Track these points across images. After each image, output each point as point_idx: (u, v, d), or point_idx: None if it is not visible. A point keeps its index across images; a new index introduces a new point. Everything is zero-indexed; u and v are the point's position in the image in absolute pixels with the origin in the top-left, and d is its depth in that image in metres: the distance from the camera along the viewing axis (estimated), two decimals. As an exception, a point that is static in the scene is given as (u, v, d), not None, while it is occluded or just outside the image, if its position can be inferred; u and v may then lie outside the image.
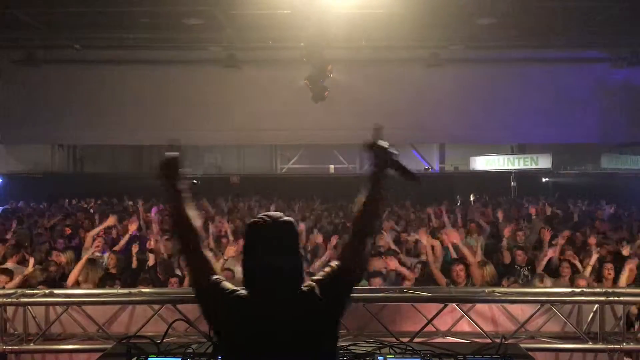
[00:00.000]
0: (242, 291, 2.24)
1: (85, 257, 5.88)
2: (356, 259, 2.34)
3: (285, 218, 2.28)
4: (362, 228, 2.36)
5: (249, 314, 2.18)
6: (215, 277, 2.30)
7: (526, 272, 7.08)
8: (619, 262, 6.67)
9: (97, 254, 7.42)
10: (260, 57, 14.35)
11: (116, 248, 7.55)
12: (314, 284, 2.26)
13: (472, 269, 6.19)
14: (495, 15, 11.13)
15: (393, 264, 6.04)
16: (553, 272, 6.63)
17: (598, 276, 6.29)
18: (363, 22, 11.22)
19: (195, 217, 2.39)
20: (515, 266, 7.22)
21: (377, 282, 5.72)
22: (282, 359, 2.16)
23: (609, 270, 6.21)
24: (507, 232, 8.07)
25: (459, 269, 5.99)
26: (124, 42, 13.20)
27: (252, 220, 2.30)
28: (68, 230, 9.79)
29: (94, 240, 7.32)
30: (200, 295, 2.32)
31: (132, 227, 7.86)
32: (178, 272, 6.64)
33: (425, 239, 6.85)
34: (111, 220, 7.80)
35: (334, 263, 2.34)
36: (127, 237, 7.71)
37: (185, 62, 14.79)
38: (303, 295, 2.22)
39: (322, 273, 2.32)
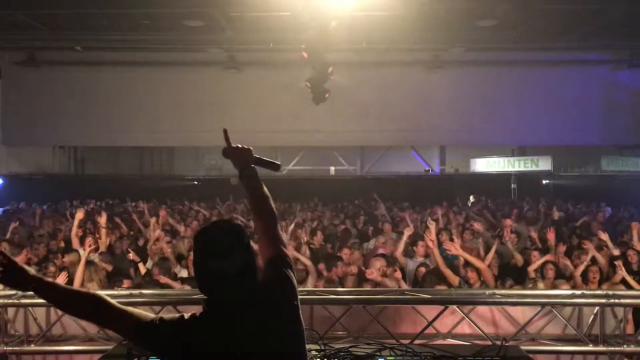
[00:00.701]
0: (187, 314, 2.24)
1: (83, 258, 5.86)
2: (275, 241, 2.42)
3: (233, 222, 2.36)
4: (264, 219, 2.48)
5: (210, 327, 2.17)
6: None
7: (540, 275, 7.03)
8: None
9: (92, 253, 7.43)
10: (261, 59, 14.36)
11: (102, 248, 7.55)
12: (266, 288, 2.28)
13: (483, 273, 6.20)
14: (495, 18, 11.14)
15: (374, 274, 5.77)
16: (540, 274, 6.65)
17: (584, 279, 6.30)
18: (364, 25, 11.23)
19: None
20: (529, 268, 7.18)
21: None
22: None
23: (594, 273, 6.22)
24: (508, 235, 8.01)
25: (470, 270, 6.01)
26: (125, 44, 13.24)
27: (198, 231, 2.33)
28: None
29: (81, 240, 7.30)
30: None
31: (102, 221, 7.89)
32: (182, 273, 6.65)
33: (430, 242, 6.81)
34: (80, 215, 7.75)
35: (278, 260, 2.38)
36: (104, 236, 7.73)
37: (186, 64, 14.81)
38: (258, 292, 2.22)
39: (275, 270, 2.36)
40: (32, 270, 2.19)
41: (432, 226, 6.84)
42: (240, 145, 2.58)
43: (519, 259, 7.38)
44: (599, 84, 15.00)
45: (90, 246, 6.35)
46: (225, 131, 2.60)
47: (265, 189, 2.57)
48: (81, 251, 5.90)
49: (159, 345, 2.18)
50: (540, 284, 6.08)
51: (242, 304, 2.18)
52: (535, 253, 7.25)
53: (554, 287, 5.88)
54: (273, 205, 2.54)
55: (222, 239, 2.20)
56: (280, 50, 13.06)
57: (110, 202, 16.98)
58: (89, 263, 6.49)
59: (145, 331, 2.17)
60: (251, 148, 2.58)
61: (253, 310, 2.18)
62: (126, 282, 5.88)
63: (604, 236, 6.52)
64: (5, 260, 2.11)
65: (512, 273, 6.88)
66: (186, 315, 2.22)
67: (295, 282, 2.36)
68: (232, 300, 2.17)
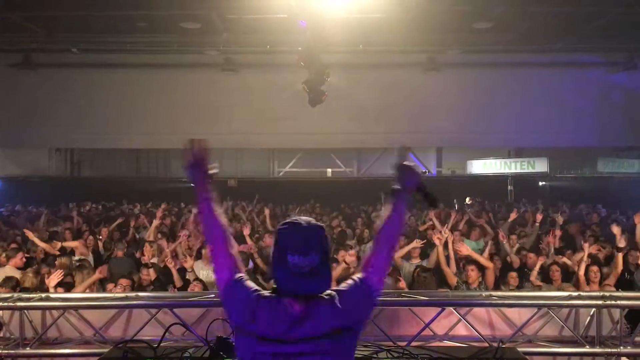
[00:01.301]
0: (265, 292, 2.30)
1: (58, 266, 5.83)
2: (378, 271, 2.38)
3: (315, 222, 2.33)
4: (385, 241, 2.43)
5: (270, 312, 2.22)
6: (240, 274, 2.37)
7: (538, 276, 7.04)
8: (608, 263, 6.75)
9: (83, 257, 7.43)
10: (258, 61, 14.36)
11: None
12: (334, 293, 2.29)
13: (487, 273, 6.22)
14: (492, 20, 11.16)
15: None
16: (545, 277, 6.66)
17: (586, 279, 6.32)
18: (360, 27, 11.24)
19: (222, 214, 2.47)
20: (525, 270, 7.21)
21: None
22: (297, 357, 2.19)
23: (594, 272, 6.24)
24: (503, 236, 8.02)
25: (470, 268, 6.01)
26: (122, 46, 13.20)
27: (281, 222, 2.36)
28: (68, 235, 9.75)
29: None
30: (226, 291, 2.35)
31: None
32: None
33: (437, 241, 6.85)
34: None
35: (356, 276, 2.38)
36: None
37: (183, 66, 14.79)
38: (323, 301, 2.25)
39: (344, 284, 2.36)
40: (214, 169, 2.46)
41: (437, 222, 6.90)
42: (413, 165, 2.59)
43: (515, 260, 7.41)
44: (595, 86, 15.04)
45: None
46: (406, 147, 2.70)
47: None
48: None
49: (235, 299, 2.30)
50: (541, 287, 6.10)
51: (305, 306, 2.22)
52: (531, 255, 7.28)
53: (561, 290, 5.87)
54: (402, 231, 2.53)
55: (302, 236, 2.23)
56: (277, 53, 13.05)
57: (107, 205, 16.95)
58: (82, 267, 6.50)
59: (237, 281, 2.33)
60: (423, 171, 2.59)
61: (310, 315, 2.21)
62: (124, 282, 5.84)
63: (586, 247, 6.55)
64: (200, 154, 2.46)
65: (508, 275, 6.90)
66: (262, 291, 2.31)
67: (368, 312, 2.38)
68: (298, 300, 2.22)
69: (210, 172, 2.51)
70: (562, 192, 18.92)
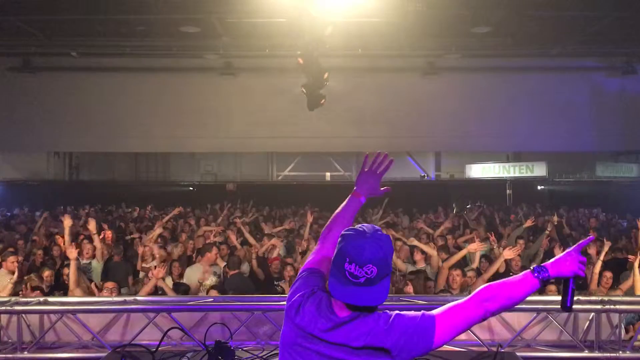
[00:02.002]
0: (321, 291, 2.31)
1: (73, 265, 5.78)
2: (454, 331, 2.19)
3: (381, 232, 2.23)
4: (489, 305, 2.20)
5: (317, 309, 2.22)
6: (319, 270, 2.42)
7: None
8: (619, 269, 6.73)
9: (84, 261, 7.39)
10: (256, 65, 14.38)
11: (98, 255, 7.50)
12: (394, 315, 2.18)
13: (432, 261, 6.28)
14: (490, 24, 11.18)
15: None
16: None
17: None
18: (359, 31, 11.26)
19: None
20: (510, 274, 7.21)
21: None
22: None
23: (607, 278, 6.23)
24: (494, 240, 8.00)
25: (455, 273, 6.01)
26: (121, 50, 13.22)
27: (348, 228, 2.28)
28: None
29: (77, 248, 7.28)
30: (299, 275, 2.42)
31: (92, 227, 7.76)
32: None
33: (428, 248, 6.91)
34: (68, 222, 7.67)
35: (430, 316, 2.19)
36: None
37: (182, 70, 14.81)
38: (374, 316, 2.18)
39: (410, 314, 2.21)
40: None
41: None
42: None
43: (501, 265, 7.44)
44: (593, 91, 15.08)
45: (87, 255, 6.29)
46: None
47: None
48: (72, 256, 5.81)
49: (295, 286, 2.35)
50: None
51: (349, 318, 2.17)
52: (517, 259, 7.28)
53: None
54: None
55: (363, 245, 2.14)
56: (276, 57, 13.08)
57: (106, 208, 16.92)
58: (80, 269, 6.48)
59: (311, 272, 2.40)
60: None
61: (351, 328, 2.16)
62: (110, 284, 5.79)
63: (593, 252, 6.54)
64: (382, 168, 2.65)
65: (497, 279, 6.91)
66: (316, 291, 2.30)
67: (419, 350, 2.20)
68: (350, 306, 2.17)
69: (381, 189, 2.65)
70: (560, 196, 18.95)
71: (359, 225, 2.26)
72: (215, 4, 10.24)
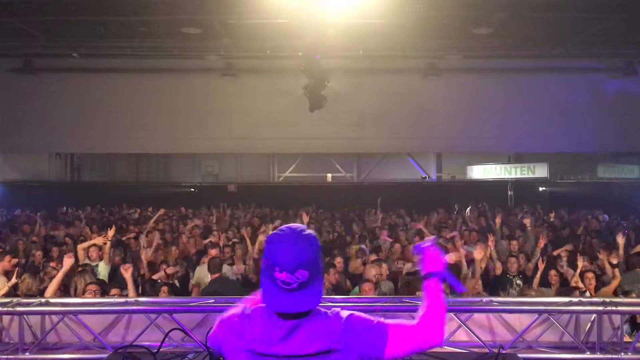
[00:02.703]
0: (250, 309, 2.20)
1: (61, 274, 5.74)
2: (404, 349, 2.16)
3: (307, 232, 2.17)
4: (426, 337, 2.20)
5: (262, 327, 2.12)
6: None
7: (519, 281, 7.07)
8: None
9: (92, 263, 7.41)
10: (258, 66, 14.38)
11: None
12: (345, 315, 2.15)
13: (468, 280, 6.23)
14: (492, 25, 11.17)
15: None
16: (543, 281, 6.68)
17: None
18: (360, 32, 11.26)
19: None
20: (507, 275, 7.23)
21: (367, 287, 5.79)
22: None
23: (589, 279, 6.25)
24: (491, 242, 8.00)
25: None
26: (122, 51, 13.22)
27: (272, 233, 2.21)
28: (68, 241, 9.74)
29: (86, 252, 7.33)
30: None
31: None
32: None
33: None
34: (100, 239, 7.67)
35: (384, 323, 2.18)
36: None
37: (183, 71, 14.80)
38: (320, 317, 2.14)
39: (365, 316, 2.19)
40: None
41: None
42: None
43: (498, 267, 7.47)
44: (595, 92, 15.05)
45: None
46: None
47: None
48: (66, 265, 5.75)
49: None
50: (530, 291, 6.10)
51: (294, 321, 2.10)
52: (513, 260, 7.32)
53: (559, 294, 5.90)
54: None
55: (291, 251, 2.08)
56: (277, 58, 13.07)
57: (105, 209, 16.95)
58: (83, 272, 6.50)
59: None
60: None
61: (298, 332, 2.10)
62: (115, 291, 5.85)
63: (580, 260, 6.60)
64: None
65: (492, 281, 6.93)
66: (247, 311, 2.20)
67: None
68: (286, 314, 2.10)
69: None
70: (562, 197, 18.94)
71: (281, 228, 2.19)
72: (216, 5, 10.24)
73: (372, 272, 6.45)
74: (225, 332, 2.18)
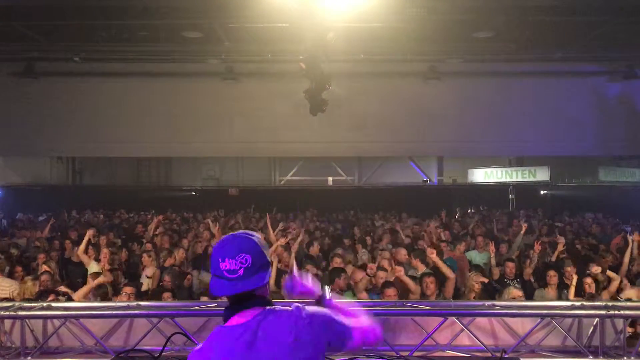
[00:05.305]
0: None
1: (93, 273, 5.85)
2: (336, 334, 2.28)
3: (247, 232, 2.34)
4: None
5: (225, 343, 2.19)
6: None
7: (517, 285, 7.05)
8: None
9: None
10: (259, 70, 14.39)
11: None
12: (306, 313, 2.22)
13: (447, 284, 6.27)
14: (492, 29, 11.20)
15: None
16: (541, 280, 6.68)
17: (578, 289, 6.34)
18: (361, 36, 11.28)
19: None
20: (505, 279, 7.22)
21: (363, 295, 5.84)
22: None
23: (589, 283, 6.25)
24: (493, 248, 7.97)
25: (429, 280, 6.03)
26: (124, 55, 13.25)
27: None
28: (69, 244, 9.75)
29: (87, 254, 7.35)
30: None
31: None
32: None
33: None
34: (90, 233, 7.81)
35: (338, 317, 2.30)
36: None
37: (184, 75, 14.81)
38: (281, 312, 2.21)
39: (323, 310, 2.31)
40: None
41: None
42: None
43: (495, 272, 7.49)
44: (596, 95, 15.06)
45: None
46: None
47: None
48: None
49: None
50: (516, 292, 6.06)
51: (251, 320, 2.20)
52: (510, 264, 7.32)
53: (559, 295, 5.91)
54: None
55: (231, 242, 2.24)
56: (278, 62, 13.09)
57: (108, 213, 16.95)
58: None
59: None
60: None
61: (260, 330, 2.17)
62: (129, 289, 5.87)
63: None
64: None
65: (490, 288, 6.92)
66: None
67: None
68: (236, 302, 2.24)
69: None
70: (563, 201, 18.92)
71: (230, 236, 2.34)
72: (217, 10, 10.27)
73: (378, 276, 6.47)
74: None
